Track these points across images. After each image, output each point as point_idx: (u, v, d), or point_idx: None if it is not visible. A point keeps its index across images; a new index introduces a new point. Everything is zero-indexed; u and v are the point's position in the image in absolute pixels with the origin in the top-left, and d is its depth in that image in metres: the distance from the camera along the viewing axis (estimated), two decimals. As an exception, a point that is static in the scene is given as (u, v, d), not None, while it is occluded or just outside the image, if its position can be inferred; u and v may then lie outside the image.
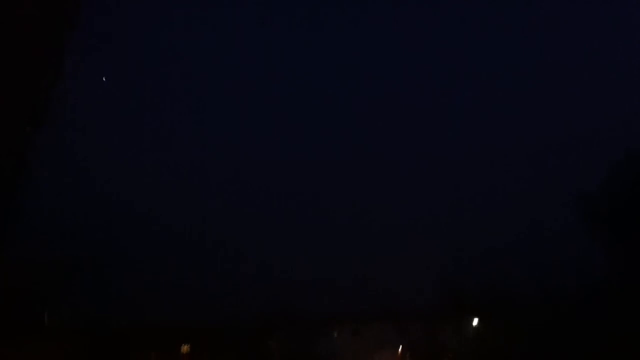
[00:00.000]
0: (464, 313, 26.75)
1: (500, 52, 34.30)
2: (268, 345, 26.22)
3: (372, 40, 34.16)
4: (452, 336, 26.75)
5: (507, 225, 27.20)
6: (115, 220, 24.14)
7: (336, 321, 26.95)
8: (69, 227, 22.81)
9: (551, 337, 24.07)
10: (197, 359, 25.21)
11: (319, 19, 33.32)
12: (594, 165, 26.16)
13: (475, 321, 26.92)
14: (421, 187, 29.45)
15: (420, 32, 34.14)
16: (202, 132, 28.90)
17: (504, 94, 32.57)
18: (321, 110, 32.82)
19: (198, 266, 25.81)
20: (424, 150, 31.03)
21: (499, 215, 27.34)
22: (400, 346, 27.22)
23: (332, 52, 33.73)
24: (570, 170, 27.57)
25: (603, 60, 31.73)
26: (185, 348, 25.35)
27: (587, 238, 24.96)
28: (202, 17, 30.31)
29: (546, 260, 25.30)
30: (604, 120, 29.18)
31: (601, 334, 22.85)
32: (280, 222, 28.21)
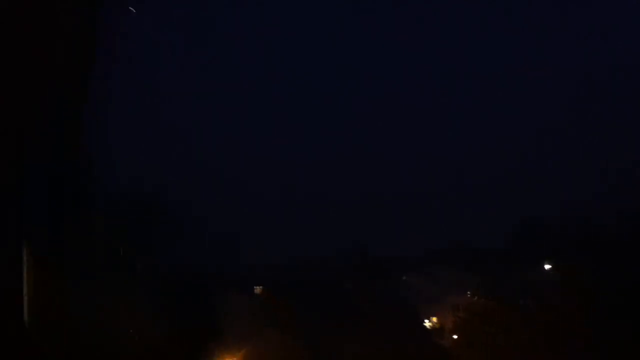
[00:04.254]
0: (539, 254, 26.34)
1: (500, 52, 34.40)
2: (343, 286, 26.97)
3: (372, 41, 34.23)
4: (527, 278, 26.43)
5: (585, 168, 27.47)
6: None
7: (408, 263, 27.44)
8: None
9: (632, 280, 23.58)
10: (277, 299, 25.93)
11: (319, 19, 33.37)
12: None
13: (550, 263, 26.41)
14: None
15: (420, 32, 34.21)
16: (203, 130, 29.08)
17: (504, 94, 32.68)
18: (321, 110, 32.89)
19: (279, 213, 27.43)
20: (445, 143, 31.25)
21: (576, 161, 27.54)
22: (472, 290, 27.08)
23: (332, 52, 33.80)
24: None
25: (603, 61, 31.83)
26: (258, 289, 26.44)
27: None
28: (203, 17, 30.33)
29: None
30: (605, 114, 29.39)
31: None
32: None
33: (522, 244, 27.43)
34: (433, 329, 27.27)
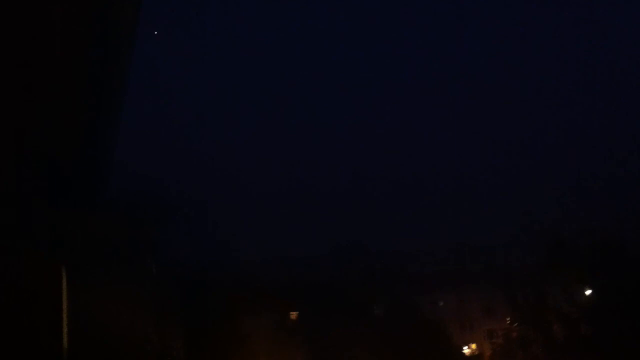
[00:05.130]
0: (574, 274, 25.92)
1: (500, 52, 34.48)
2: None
3: (372, 40, 34.36)
4: (560, 298, 26.12)
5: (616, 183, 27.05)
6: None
7: (439, 283, 27.39)
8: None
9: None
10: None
11: (319, 19, 33.52)
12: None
13: (586, 283, 25.96)
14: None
15: (420, 31, 34.32)
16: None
17: (504, 94, 32.73)
18: (321, 110, 33.05)
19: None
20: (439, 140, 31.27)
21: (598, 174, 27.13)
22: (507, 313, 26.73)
23: (332, 52, 33.93)
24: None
25: (603, 60, 31.91)
26: (294, 315, 26.38)
27: None
28: (203, 17, 30.42)
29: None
30: (607, 114, 29.53)
31: None
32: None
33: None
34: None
